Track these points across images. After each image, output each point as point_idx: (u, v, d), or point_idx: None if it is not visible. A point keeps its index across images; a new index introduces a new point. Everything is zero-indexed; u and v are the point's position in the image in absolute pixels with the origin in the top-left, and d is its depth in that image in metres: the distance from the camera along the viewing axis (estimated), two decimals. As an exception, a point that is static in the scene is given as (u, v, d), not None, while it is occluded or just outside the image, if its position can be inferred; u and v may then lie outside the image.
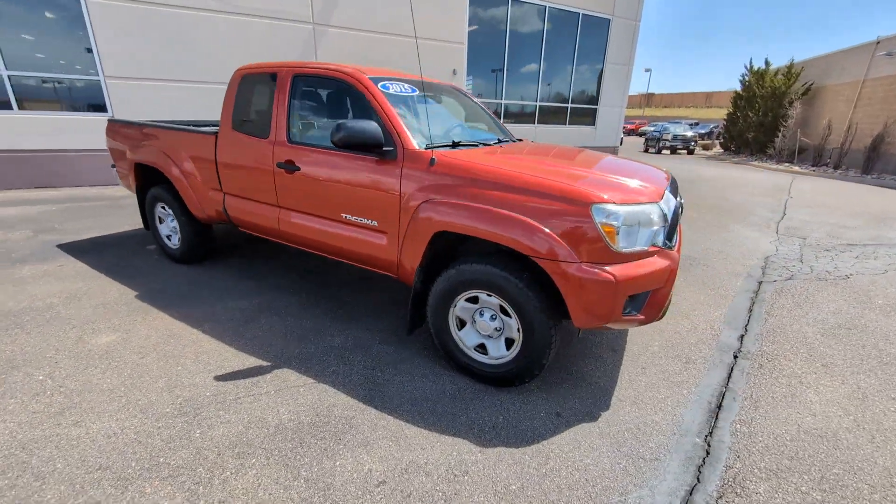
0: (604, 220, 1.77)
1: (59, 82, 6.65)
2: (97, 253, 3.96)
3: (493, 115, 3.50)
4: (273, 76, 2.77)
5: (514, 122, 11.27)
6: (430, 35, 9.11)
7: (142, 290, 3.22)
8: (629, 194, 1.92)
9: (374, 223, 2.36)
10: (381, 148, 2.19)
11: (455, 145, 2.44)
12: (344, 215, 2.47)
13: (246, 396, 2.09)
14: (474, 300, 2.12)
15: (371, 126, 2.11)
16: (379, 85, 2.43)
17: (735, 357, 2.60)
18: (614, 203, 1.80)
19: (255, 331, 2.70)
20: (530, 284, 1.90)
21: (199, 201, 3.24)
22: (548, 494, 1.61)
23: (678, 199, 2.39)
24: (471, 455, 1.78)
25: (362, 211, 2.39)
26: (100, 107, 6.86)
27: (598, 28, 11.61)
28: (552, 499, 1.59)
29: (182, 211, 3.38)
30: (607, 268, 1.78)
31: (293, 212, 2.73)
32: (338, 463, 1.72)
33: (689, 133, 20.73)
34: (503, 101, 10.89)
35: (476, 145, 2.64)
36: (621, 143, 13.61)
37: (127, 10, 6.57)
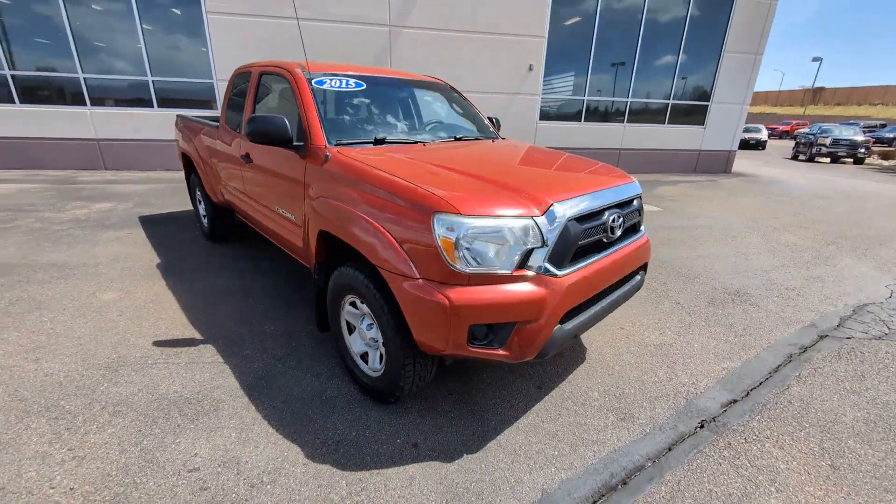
0: (443, 233, 1.51)
1: (183, 84, 8.19)
2: (162, 226, 4.79)
3: (478, 114, 3.24)
4: (249, 74, 2.99)
5: (601, 122, 10.28)
6: (506, 30, 8.81)
7: (165, 259, 3.80)
8: (487, 205, 1.60)
9: (293, 217, 2.40)
10: (291, 142, 2.20)
11: (378, 142, 2.33)
12: (277, 207, 2.57)
13: (162, 363, 2.33)
14: (356, 305, 2.02)
15: (277, 120, 2.13)
16: (313, 80, 2.44)
17: (699, 427, 2.00)
18: (459, 213, 1.52)
19: (220, 307, 2.98)
20: (386, 298, 1.72)
21: (212, 187, 3.68)
22: (332, 528, 1.46)
23: (619, 216, 1.91)
24: (292, 466, 1.71)
25: (286, 203, 2.45)
26: (210, 104, 8.25)
27: (715, 8, 9.85)
28: (332, 534, 1.44)
29: (203, 195, 3.88)
30: (446, 288, 1.52)
31: (253, 201, 2.93)
32: (178, 440, 1.82)
33: (858, 137, 16.33)
34: (585, 98, 9.98)
35: (413, 143, 2.48)
36: (761, 147, 11.36)
37: (234, 21, 7.74)
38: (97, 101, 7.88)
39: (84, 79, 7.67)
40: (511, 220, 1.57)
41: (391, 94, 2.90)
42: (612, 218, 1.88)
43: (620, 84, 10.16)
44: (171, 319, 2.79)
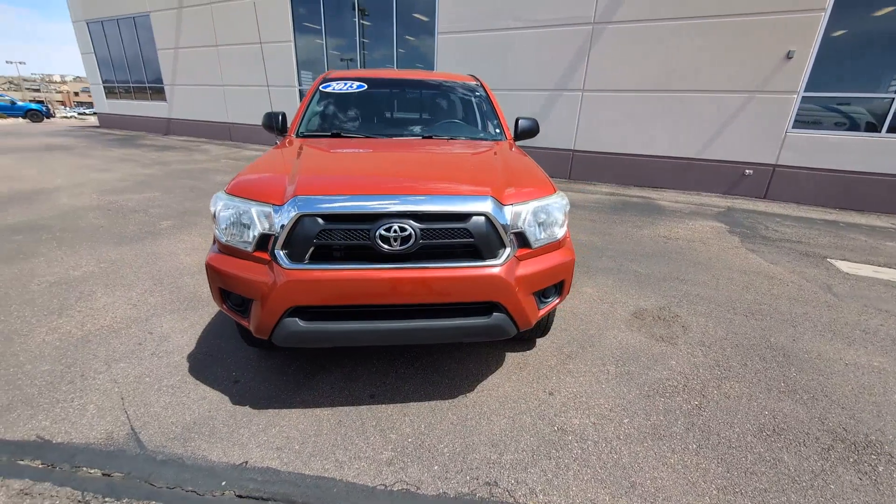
0: (212, 206, 1.83)
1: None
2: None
3: (483, 115, 3.01)
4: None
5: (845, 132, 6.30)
6: (754, 7, 6.64)
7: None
8: (250, 189, 1.78)
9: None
10: (276, 130, 2.84)
11: (335, 135, 2.70)
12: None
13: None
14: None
15: (270, 114, 2.83)
16: (321, 85, 3.01)
17: None
18: (224, 192, 1.80)
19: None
20: None
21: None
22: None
23: (405, 228, 1.60)
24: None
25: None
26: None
27: None
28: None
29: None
30: (212, 254, 1.88)
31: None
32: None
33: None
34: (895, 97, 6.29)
35: (367, 137, 2.70)
36: None
37: (458, 39, 9.13)
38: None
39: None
40: (255, 204, 1.71)
41: (393, 93, 3.12)
42: (386, 227, 1.64)
43: None
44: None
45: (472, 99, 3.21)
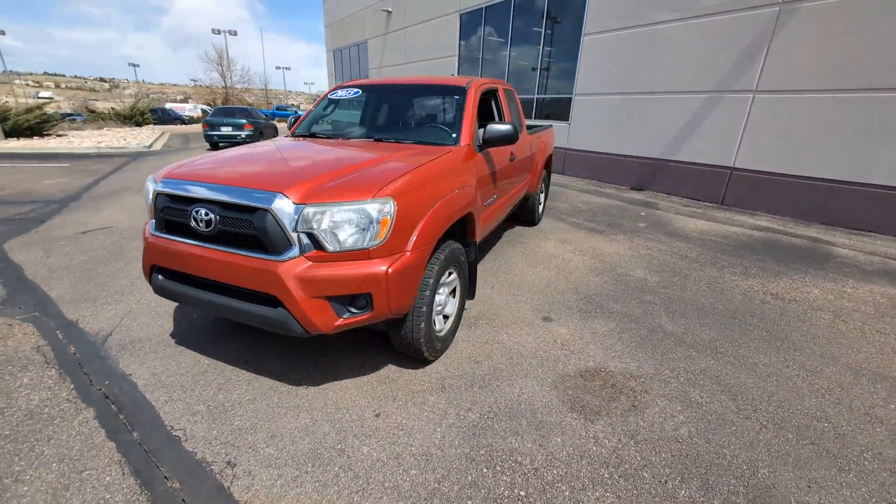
0: None
1: (552, 100, 9.87)
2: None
3: (441, 118, 2.88)
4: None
5: None
6: None
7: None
8: (164, 173, 2.23)
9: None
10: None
11: (312, 134, 3.08)
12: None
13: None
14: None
15: (293, 117, 3.42)
16: (332, 92, 3.42)
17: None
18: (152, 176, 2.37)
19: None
20: None
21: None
22: None
23: (210, 213, 1.80)
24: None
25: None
26: (566, 116, 9.47)
27: None
28: None
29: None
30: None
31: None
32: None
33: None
34: None
35: (336, 138, 2.97)
36: None
37: (600, 41, 8.30)
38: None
39: (506, 99, 11.10)
40: (149, 183, 2.20)
41: (383, 99, 3.22)
42: (195, 210, 1.87)
43: None
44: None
45: (451, 104, 3.06)
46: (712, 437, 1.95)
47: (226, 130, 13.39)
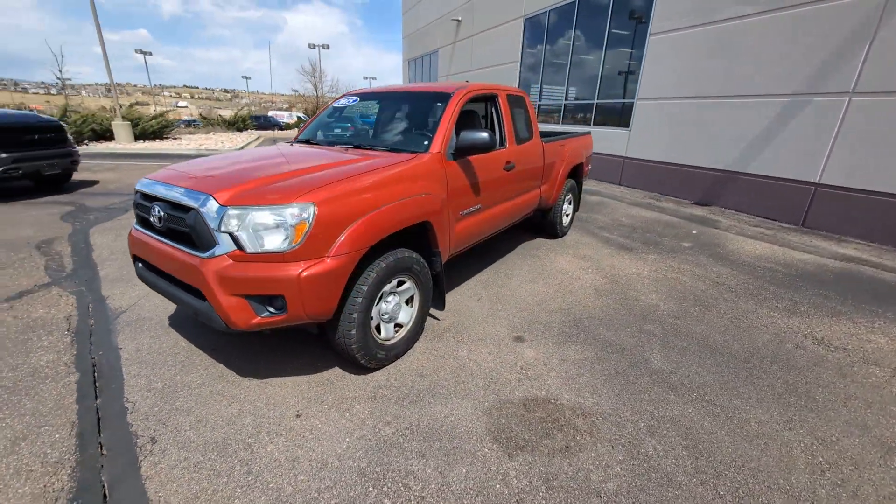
0: None
1: (609, 105, 9.21)
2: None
3: (417, 125, 2.88)
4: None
5: None
6: None
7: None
8: (153, 175, 2.53)
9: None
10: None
11: (307, 141, 3.25)
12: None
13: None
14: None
15: (301, 123, 3.65)
16: (337, 101, 3.58)
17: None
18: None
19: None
20: None
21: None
22: None
23: (162, 211, 2.00)
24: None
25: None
26: (626, 121, 8.78)
27: None
28: None
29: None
30: None
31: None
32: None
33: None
34: None
35: (329, 144, 3.11)
36: None
37: (666, 40, 7.56)
38: (566, 121, 10.71)
39: (565, 105, 10.62)
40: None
41: (379, 106, 3.27)
42: (153, 207, 2.08)
43: None
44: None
45: (434, 111, 3.00)
46: (644, 500, 1.66)
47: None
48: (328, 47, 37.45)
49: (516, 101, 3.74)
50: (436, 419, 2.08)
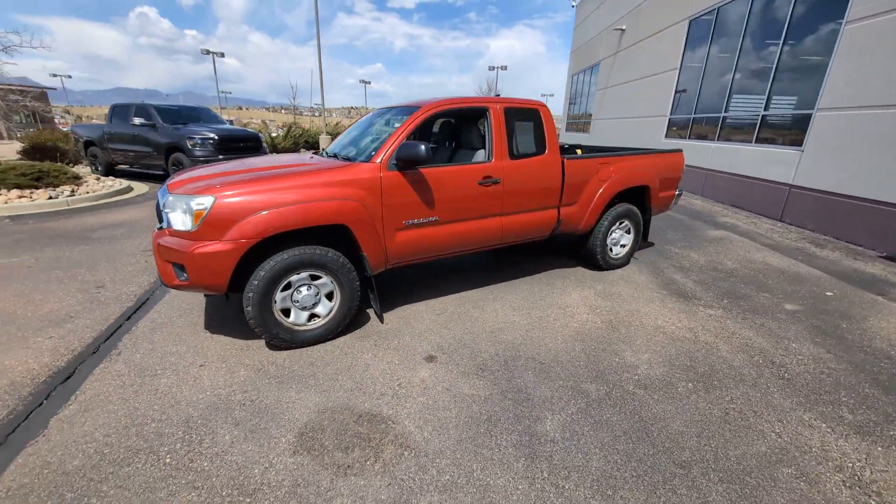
0: None
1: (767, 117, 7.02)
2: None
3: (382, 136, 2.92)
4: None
5: None
6: None
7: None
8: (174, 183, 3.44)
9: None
10: None
11: (325, 153, 3.81)
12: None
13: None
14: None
15: None
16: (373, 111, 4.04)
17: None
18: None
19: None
20: None
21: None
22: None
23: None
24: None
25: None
26: (800, 137, 6.59)
27: None
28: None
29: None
30: None
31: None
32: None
33: None
34: None
35: (331, 156, 3.57)
36: None
37: (874, 26, 5.40)
38: (722, 137, 8.70)
39: (723, 117, 8.64)
40: None
41: (379, 119, 3.55)
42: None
43: None
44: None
45: (400, 124, 3.08)
46: (354, 543, 1.50)
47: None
48: (506, 68, 39.41)
49: (522, 115, 3.47)
50: (279, 401, 2.27)
